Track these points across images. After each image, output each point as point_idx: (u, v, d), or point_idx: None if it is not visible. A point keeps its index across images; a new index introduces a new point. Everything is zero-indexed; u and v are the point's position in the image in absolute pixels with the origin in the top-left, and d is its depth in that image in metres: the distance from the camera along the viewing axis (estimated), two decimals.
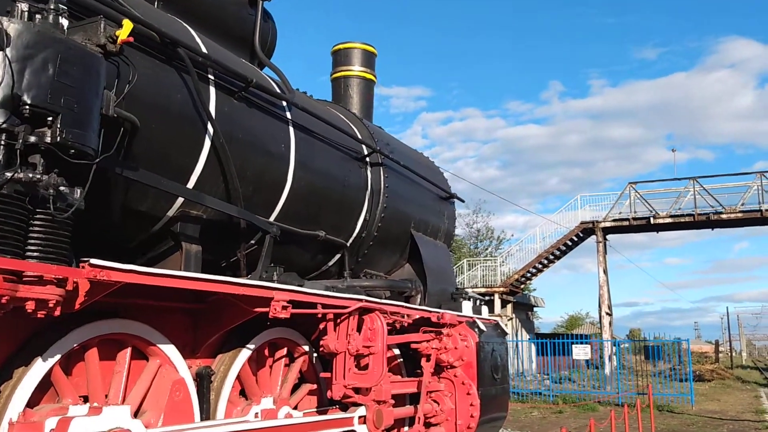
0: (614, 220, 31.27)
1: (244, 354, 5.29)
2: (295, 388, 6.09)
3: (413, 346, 7.08)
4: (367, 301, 5.78)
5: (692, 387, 22.05)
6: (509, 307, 36.33)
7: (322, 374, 5.96)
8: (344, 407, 6.17)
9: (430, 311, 7.00)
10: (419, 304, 7.75)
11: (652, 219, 30.49)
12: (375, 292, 7.53)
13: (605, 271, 31.17)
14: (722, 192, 31.25)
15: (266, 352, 5.60)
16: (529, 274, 35.19)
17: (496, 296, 34.39)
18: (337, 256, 7.10)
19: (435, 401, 7.59)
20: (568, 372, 31.41)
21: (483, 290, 34.88)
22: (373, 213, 7.25)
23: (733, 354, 73.50)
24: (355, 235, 7.13)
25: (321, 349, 5.69)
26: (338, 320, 5.77)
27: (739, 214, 29.80)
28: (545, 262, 34.45)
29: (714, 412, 20.49)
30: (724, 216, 29.89)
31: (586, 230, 32.07)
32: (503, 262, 37.47)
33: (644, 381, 23.22)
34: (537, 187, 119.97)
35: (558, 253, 33.94)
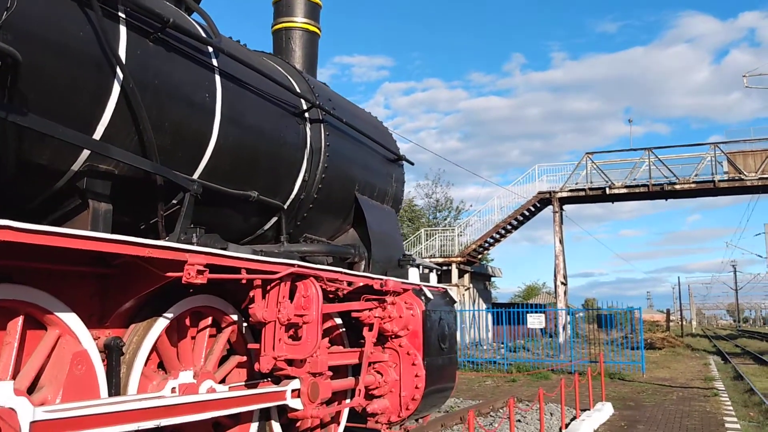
0: (571, 191, 31.29)
1: (161, 323, 4.81)
2: (225, 361, 5.66)
3: (354, 314, 6.69)
4: (299, 266, 5.34)
5: (643, 355, 22.24)
6: (467, 277, 36.32)
7: (250, 345, 5.52)
8: (278, 380, 5.76)
9: (373, 278, 6.60)
10: (363, 272, 7.35)
11: (607, 189, 30.58)
12: (315, 258, 7.10)
13: (561, 241, 31.24)
14: (677, 163, 31.48)
15: (188, 321, 5.13)
16: (486, 244, 35.15)
17: (454, 266, 34.30)
18: (274, 219, 6.62)
19: (378, 372, 7.24)
20: (523, 341, 31.58)
21: (441, 260, 34.76)
22: (313, 173, 6.78)
23: (684, 323, 75.33)
24: (292, 197, 6.65)
25: (250, 318, 5.24)
26: (268, 287, 5.32)
27: (693, 185, 30.05)
28: (502, 232, 34.40)
29: (664, 380, 20.71)
30: (677, 186, 30.11)
31: (543, 200, 32.05)
32: (461, 232, 37.33)
33: (597, 349, 23.37)
34: (498, 158, 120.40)
35: (515, 223, 33.91)
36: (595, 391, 15.31)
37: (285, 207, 6.61)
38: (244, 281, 4.76)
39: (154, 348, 4.80)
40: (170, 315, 4.90)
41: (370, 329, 6.81)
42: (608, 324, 25.46)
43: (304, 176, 6.68)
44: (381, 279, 6.63)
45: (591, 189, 30.98)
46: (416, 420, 8.16)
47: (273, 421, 5.95)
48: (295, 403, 5.67)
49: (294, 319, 5.35)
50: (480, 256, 37.11)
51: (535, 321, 24.16)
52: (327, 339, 6.92)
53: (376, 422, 7.27)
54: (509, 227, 34.07)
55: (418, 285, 7.48)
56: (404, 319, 7.13)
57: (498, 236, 34.70)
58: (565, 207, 32.48)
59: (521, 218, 33.62)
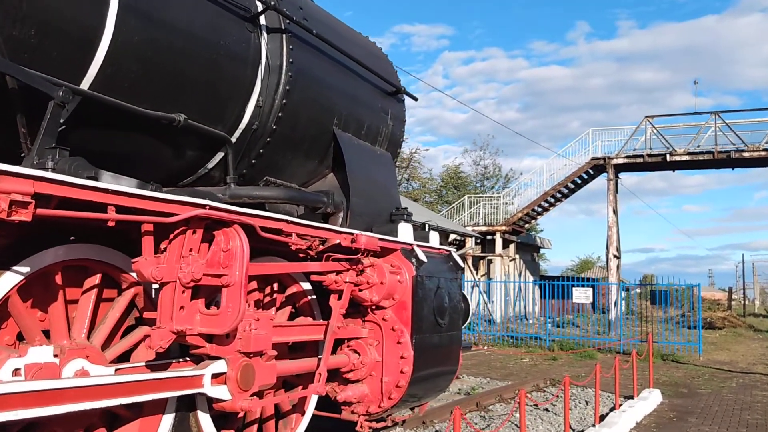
0: (627, 157, 29.03)
1: (7, 281, 3.45)
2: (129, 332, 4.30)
3: (314, 278, 5.24)
4: (212, 207, 3.89)
5: (701, 335, 20.26)
6: (512, 247, 34.53)
7: (147, 314, 4.12)
8: (199, 360, 4.38)
9: (337, 231, 5.12)
10: (341, 226, 5.89)
11: (668, 156, 28.21)
12: (278, 207, 5.67)
13: (615, 212, 29.14)
14: (746, 129, 28.86)
15: (58, 278, 3.75)
16: (534, 213, 33.23)
17: (498, 235, 32.57)
18: (220, 155, 5.20)
19: (355, 352, 5.80)
20: (572, 316, 29.81)
21: (485, 228, 33.09)
22: (270, 98, 5.31)
23: (746, 302, 71.73)
24: (242, 127, 5.21)
25: (138, 277, 3.84)
26: (171, 236, 3.90)
27: (763, 153, 27.47)
28: (551, 200, 32.43)
29: (723, 363, 18.74)
30: (746, 154, 27.57)
31: (597, 167, 29.90)
32: (510, 201, 35.38)
33: (650, 328, 21.48)
34: (558, 130, 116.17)
35: (566, 191, 31.88)
36: (644, 374, 13.62)
37: (232, 139, 5.18)
38: (111, 223, 3.34)
39: None
40: (25, 269, 3.54)
41: (339, 297, 5.36)
42: (664, 301, 23.44)
43: (258, 101, 5.22)
44: (350, 233, 5.16)
45: (650, 155, 28.67)
46: (411, 409, 6.72)
47: (200, 413, 4.59)
48: (219, 392, 4.28)
49: (206, 280, 3.93)
50: (527, 226, 35.22)
51: (581, 295, 22.33)
52: (285, 309, 5.51)
53: (352, 412, 5.86)
54: (559, 195, 32.06)
55: (409, 244, 5.98)
56: (388, 287, 5.65)
57: (546, 205, 32.75)
58: (622, 177, 30.28)
59: (572, 186, 31.57)
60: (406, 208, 6.56)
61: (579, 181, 31.21)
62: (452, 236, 31.27)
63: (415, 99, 7.39)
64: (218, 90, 4.90)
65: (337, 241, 5.18)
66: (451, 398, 10.65)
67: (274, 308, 5.38)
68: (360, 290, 5.62)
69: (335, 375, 5.86)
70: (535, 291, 36.21)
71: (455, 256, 6.65)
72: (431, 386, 6.29)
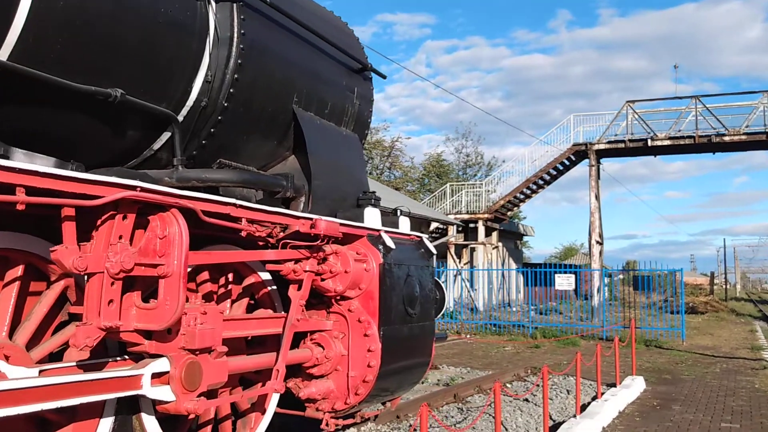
0: (609, 142, 28.79)
1: None
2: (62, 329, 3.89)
3: (269, 267, 4.86)
4: (142, 189, 3.48)
5: (683, 320, 20.11)
6: (495, 234, 34.30)
7: (73, 308, 3.71)
8: (139, 359, 3.99)
9: (293, 216, 4.73)
10: (302, 211, 5.50)
11: (649, 141, 28.00)
12: (232, 191, 5.28)
13: (597, 198, 28.94)
14: (726, 113, 28.71)
15: None
16: (516, 200, 32.98)
17: (480, 223, 32.31)
18: (166, 135, 4.78)
19: (319, 345, 5.43)
20: (555, 303, 29.64)
21: (467, 216, 32.79)
22: (221, 73, 4.89)
23: (728, 286, 72.15)
24: (190, 104, 4.79)
25: (54, 266, 3.43)
26: (97, 221, 3.49)
27: (743, 137, 27.34)
28: (534, 187, 32.17)
29: (706, 348, 18.60)
30: (726, 138, 27.43)
31: (579, 153, 29.65)
32: (493, 189, 35.05)
33: (633, 314, 21.29)
34: (541, 118, 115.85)
35: (548, 178, 31.61)
36: (627, 361, 13.38)
37: (179, 118, 4.76)
38: (21, 206, 2.93)
39: None
40: None
41: (299, 288, 4.98)
42: (647, 287, 23.29)
43: (207, 75, 4.80)
44: (309, 218, 4.77)
45: (631, 141, 28.44)
46: (383, 404, 6.37)
47: (144, 415, 4.20)
48: (161, 393, 3.89)
49: (139, 271, 3.53)
50: (510, 214, 34.98)
51: (564, 282, 22.12)
52: (242, 301, 5.13)
53: (317, 410, 5.49)
54: (541, 182, 31.80)
55: (376, 230, 5.60)
56: (353, 275, 5.28)
57: (529, 192, 32.49)
58: (605, 164, 30.06)
59: (554, 173, 31.30)
60: (374, 192, 6.18)
61: (561, 168, 30.94)
62: (434, 224, 30.97)
63: (384, 77, 6.99)
64: (160, 63, 4.48)
65: (297, 227, 4.80)
66: (429, 389, 10.32)
67: (228, 300, 4.99)
68: (322, 280, 5.25)
69: (298, 370, 5.50)
70: (519, 278, 36.04)
71: (427, 242, 6.28)
72: (402, 380, 5.94)
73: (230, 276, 4.99)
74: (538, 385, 9.89)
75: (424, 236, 6.34)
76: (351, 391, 5.44)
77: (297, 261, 4.94)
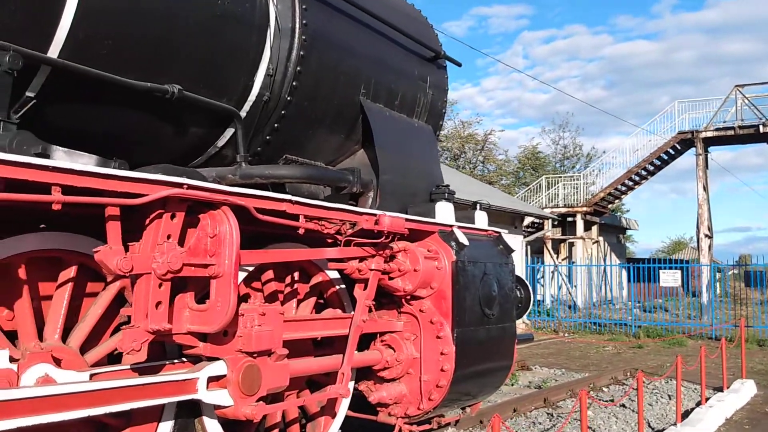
0: (717, 130, 27.07)
1: None
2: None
3: (332, 266, 4.66)
4: (189, 186, 3.35)
5: None
6: (595, 228, 33.00)
7: (123, 310, 3.62)
8: (197, 361, 3.89)
9: (359, 212, 4.51)
10: (370, 207, 5.29)
11: (761, 127, 26.09)
12: (299, 188, 5.14)
13: (705, 189, 27.28)
14: None
15: (22, 272, 3.30)
16: (617, 192, 31.61)
17: (579, 217, 31.14)
18: (229, 132, 4.68)
19: (389, 347, 5.20)
20: (662, 300, 28.22)
21: (564, 210, 31.73)
22: (283, 66, 4.74)
23: None
24: (252, 99, 4.67)
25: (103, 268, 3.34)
26: (146, 220, 3.39)
27: None
28: (636, 178, 30.74)
29: None
30: None
31: (685, 141, 28.05)
32: (592, 181, 33.73)
33: (745, 311, 19.90)
34: (645, 106, 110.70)
35: (652, 168, 30.11)
36: (737, 362, 12.43)
37: (241, 113, 4.65)
38: (57, 206, 2.84)
39: None
40: None
41: (365, 287, 4.76)
42: (761, 283, 21.71)
43: (268, 69, 4.66)
44: (372, 214, 4.54)
45: (741, 127, 26.61)
46: (462, 409, 6.07)
47: (206, 419, 4.09)
48: (218, 397, 3.77)
49: (188, 271, 3.40)
50: (610, 206, 33.58)
51: (669, 278, 20.95)
52: (309, 301, 4.96)
53: (389, 414, 5.26)
54: (644, 173, 30.34)
55: (448, 226, 5.30)
56: (423, 274, 5.01)
57: (631, 183, 31.08)
58: (714, 153, 28.34)
59: (659, 163, 29.78)
60: (447, 186, 5.88)
61: (665, 158, 29.41)
62: (529, 219, 30.16)
63: (458, 64, 6.67)
64: (218, 58, 4.36)
65: (361, 224, 4.58)
66: (519, 392, 9.90)
67: (294, 300, 4.83)
68: (391, 278, 5.01)
69: (370, 373, 5.29)
70: (622, 274, 34.64)
71: (506, 238, 5.92)
72: (481, 384, 5.62)
73: (296, 275, 4.83)
74: (635, 389, 9.29)
75: (503, 231, 5.98)
76: (424, 396, 5.17)
77: (362, 259, 4.72)
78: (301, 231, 4.10)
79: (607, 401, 8.73)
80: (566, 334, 21.60)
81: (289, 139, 5.06)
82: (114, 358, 3.88)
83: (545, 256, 31.31)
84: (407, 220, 4.85)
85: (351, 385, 5.22)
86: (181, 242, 3.50)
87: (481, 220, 5.93)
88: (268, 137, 4.91)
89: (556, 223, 30.32)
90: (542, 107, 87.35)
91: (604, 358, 15.38)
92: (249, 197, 3.71)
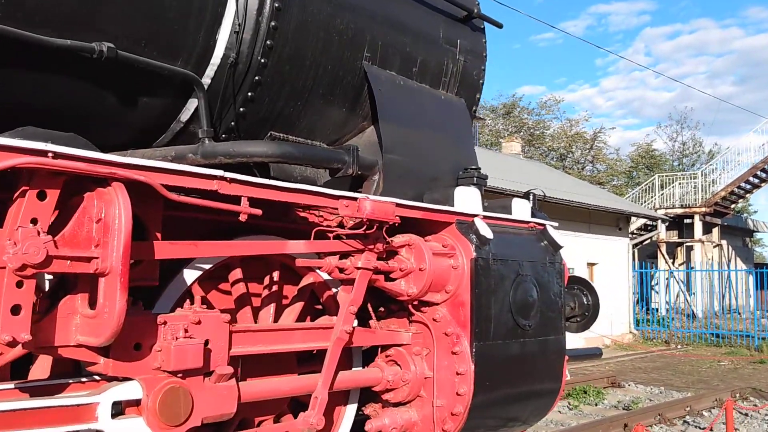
0: None
1: None
2: None
3: (300, 263, 3.77)
4: (56, 155, 2.55)
5: None
6: (716, 231, 30.30)
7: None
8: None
9: (331, 196, 3.59)
10: (374, 193, 4.37)
11: None
12: (289, 170, 4.32)
13: None
14: None
15: None
16: (741, 191, 28.86)
17: (697, 218, 28.63)
18: (193, 103, 3.91)
19: (395, 363, 4.26)
20: None
21: (680, 211, 29.31)
22: (253, 20, 3.90)
23: None
24: (217, 62, 3.86)
25: None
26: (10, 202, 2.63)
27: None
28: (763, 175, 27.94)
29: None
30: None
31: None
32: (714, 179, 31.00)
33: None
34: None
35: None
36: None
37: (203, 80, 3.85)
38: None
39: None
40: None
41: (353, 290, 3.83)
42: None
43: (234, 24, 3.84)
44: (350, 198, 3.60)
45: None
46: None
47: None
48: (128, 428, 2.97)
49: (60, 266, 2.61)
50: (734, 207, 30.73)
51: None
52: (295, 306, 4.10)
53: None
54: None
55: (467, 215, 4.28)
56: (431, 274, 4.02)
57: (757, 181, 28.29)
58: None
59: None
60: (478, 169, 4.86)
61: None
62: (641, 221, 28.03)
63: (499, 25, 5.59)
64: (167, 10, 3.59)
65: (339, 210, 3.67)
66: (602, 413, 8.60)
67: (271, 305, 3.98)
68: (391, 279, 4.07)
69: (374, 395, 4.35)
70: (749, 281, 31.67)
71: (552, 231, 4.82)
72: (513, 412, 4.54)
73: (276, 275, 3.98)
74: (747, 414, 7.79)
75: (550, 224, 4.88)
76: (437, 425, 4.18)
77: (345, 255, 3.80)
78: (242, 217, 3.23)
79: (704, 429, 7.32)
80: (678, 346, 19.68)
81: (271, 112, 4.21)
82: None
83: (659, 261, 29.03)
84: (406, 207, 3.89)
85: (351, 410, 4.32)
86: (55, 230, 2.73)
87: (520, 209, 4.85)
88: (241, 109, 4.08)
89: (666, 223, 28.01)
90: (665, 106, 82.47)
91: (716, 374, 13.60)
92: (155, 171, 2.88)
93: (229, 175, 3.14)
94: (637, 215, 24.29)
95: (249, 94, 4.05)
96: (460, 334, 4.13)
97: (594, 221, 20.52)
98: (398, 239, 4.07)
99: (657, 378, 12.66)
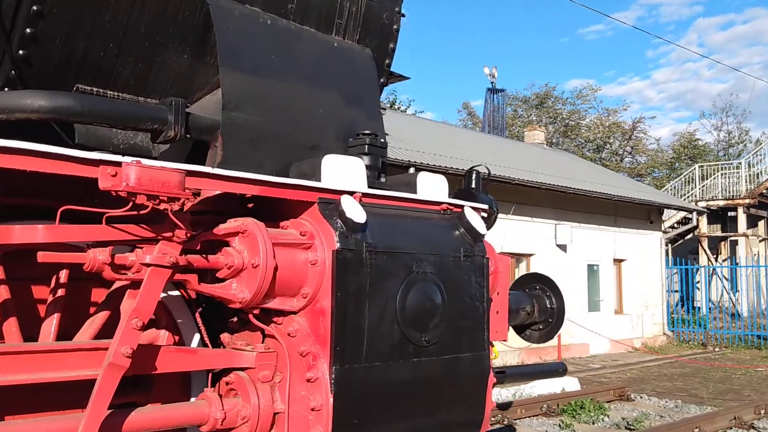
0: None
1: None
2: None
3: (43, 259, 2.67)
4: None
5: None
6: (762, 224, 28.30)
7: None
8: None
9: (77, 159, 2.51)
10: (215, 163, 3.29)
11: None
12: (95, 132, 3.28)
13: None
14: None
15: None
16: None
17: (740, 210, 26.72)
18: None
19: (234, 392, 3.18)
20: None
21: (723, 203, 27.42)
22: None
23: None
24: None
25: None
26: None
27: None
28: None
29: None
30: None
31: None
32: (759, 170, 28.94)
33: None
34: None
35: None
36: None
37: None
38: None
39: None
40: None
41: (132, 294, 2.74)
42: None
43: None
44: (104, 161, 2.51)
45: None
46: None
47: None
48: None
49: None
50: None
51: None
52: (98, 316, 3.04)
53: None
54: None
55: (334, 192, 3.15)
56: (270, 272, 2.92)
57: None
58: None
59: None
60: (374, 135, 3.72)
61: None
62: (680, 215, 26.25)
63: None
64: None
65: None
66: None
67: (55, 316, 2.92)
68: (217, 279, 2.98)
69: None
70: None
71: (471, 215, 3.65)
72: None
73: (63, 275, 2.93)
74: None
75: (469, 205, 3.71)
76: None
77: (133, 246, 2.73)
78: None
79: None
80: (717, 348, 18.10)
81: (70, 57, 3.16)
82: None
83: (701, 257, 27.22)
84: (217, 177, 2.79)
85: None
86: None
87: (430, 187, 3.70)
88: (21, 52, 3.04)
89: (707, 217, 26.18)
90: (719, 98, 79.30)
91: (750, 383, 12.10)
92: None
93: None
94: (669, 207, 22.56)
95: (27, 30, 3.01)
96: (318, 354, 3.03)
97: (621, 214, 19.00)
98: (227, 225, 2.98)
99: (681, 387, 11.25)
